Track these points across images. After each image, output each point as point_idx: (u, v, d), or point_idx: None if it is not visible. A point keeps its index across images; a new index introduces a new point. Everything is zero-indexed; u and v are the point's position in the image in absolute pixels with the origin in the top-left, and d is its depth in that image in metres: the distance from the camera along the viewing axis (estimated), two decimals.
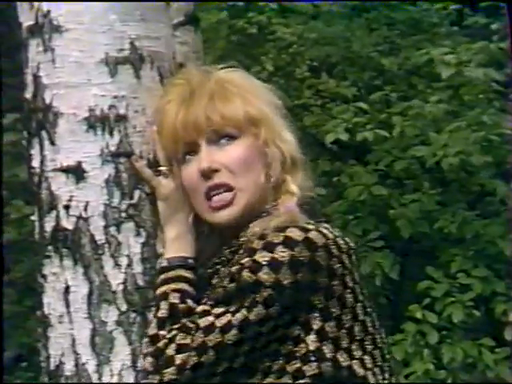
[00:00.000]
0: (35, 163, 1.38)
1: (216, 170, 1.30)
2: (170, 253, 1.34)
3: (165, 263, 1.33)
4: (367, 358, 1.26)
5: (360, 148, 3.85)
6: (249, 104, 1.33)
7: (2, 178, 3.42)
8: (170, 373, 1.23)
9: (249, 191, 1.31)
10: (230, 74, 1.36)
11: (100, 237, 1.34)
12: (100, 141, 1.35)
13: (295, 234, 1.23)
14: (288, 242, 1.22)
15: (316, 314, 1.23)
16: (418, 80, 4.13)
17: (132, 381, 1.32)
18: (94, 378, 1.32)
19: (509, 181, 3.59)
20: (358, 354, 1.25)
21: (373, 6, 4.68)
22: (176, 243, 1.34)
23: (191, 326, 1.25)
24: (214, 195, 1.31)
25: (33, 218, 1.40)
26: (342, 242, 1.26)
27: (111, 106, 1.35)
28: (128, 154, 1.35)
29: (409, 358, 3.28)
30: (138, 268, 1.34)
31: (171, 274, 1.32)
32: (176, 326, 1.26)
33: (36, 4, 1.38)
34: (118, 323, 1.32)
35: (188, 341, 1.23)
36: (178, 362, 1.23)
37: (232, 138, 1.32)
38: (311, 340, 1.23)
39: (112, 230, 1.34)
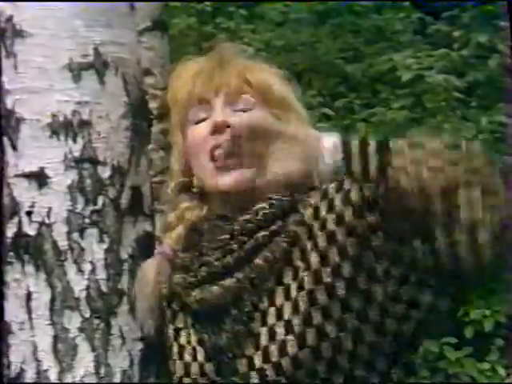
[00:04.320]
0: None
1: (230, 126, 1.15)
2: None
3: None
4: None
5: None
6: (284, 84, 1.24)
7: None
8: None
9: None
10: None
11: (63, 243, 1.33)
12: (63, 146, 1.34)
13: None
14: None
15: None
16: (381, 87, 4.18)
17: None
18: None
19: None
20: None
21: (338, 12, 4.72)
22: None
23: None
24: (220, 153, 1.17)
25: None
26: None
27: (74, 112, 1.34)
28: (92, 160, 1.35)
29: None
30: (101, 274, 1.33)
31: None
32: None
33: None
34: (81, 330, 1.32)
35: None
36: None
37: (248, 109, 1.20)
38: None
39: (75, 236, 1.33)
